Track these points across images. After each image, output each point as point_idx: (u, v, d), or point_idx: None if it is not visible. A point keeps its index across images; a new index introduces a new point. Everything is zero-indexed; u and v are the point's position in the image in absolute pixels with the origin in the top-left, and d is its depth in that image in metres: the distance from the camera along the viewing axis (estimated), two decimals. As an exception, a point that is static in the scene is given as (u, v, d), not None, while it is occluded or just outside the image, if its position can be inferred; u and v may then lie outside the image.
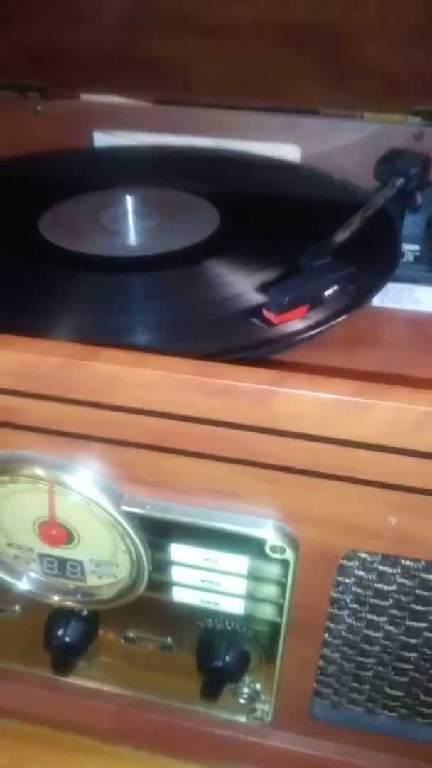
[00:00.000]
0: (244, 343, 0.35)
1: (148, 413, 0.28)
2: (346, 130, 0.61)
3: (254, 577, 0.33)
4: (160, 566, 0.34)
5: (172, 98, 0.62)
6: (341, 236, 0.42)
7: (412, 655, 0.37)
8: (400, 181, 0.50)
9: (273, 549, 0.31)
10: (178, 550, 0.33)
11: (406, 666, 0.38)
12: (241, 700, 0.40)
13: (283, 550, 0.31)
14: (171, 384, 0.27)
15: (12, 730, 0.46)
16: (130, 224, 0.47)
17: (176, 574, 0.34)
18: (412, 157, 0.52)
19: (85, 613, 0.38)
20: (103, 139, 0.65)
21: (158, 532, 0.32)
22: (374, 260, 0.43)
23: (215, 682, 0.37)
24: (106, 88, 0.63)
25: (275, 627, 0.35)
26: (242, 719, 0.42)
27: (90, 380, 0.28)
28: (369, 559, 0.33)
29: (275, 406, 0.26)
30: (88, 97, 0.64)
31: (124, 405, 0.28)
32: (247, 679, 0.39)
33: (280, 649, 0.36)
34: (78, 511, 0.33)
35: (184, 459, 0.30)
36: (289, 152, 0.61)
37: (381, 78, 0.56)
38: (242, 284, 0.41)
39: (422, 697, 0.39)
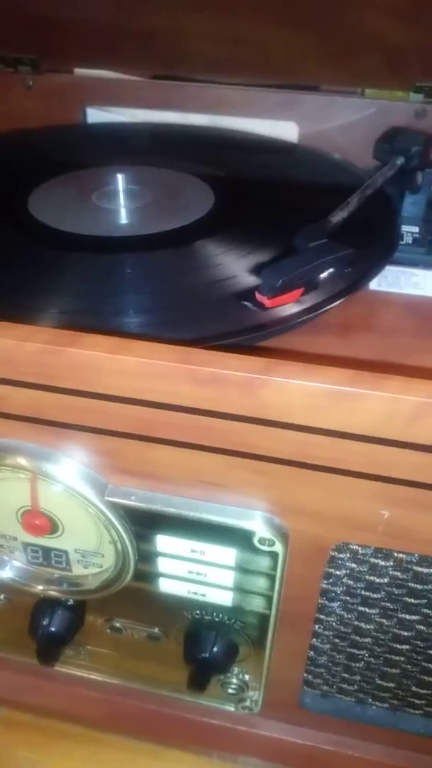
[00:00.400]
0: (234, 328, 0.34)
1: (131, 401, 0.27)
2: (345, 107, 0.59)
3: (242, 569, 0.32)
4: (146, 557, 0.33)
5: (168, 74, 0.61)
6: (338, 216, 0.41)
7: (403, 647, 0.37)
8: (400, 161, 0.49)
9: (262, 541, 0.30)
10: (164, 541, 0.32)
11: (397, 658, 0.37)
12: (230, 690, 0.40)
13: (272, 543, 0.30)
14: (155, 371, 0.26)
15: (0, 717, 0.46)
16: (121, 203, 0.46)
17: (163, 565, 0.33)
18: (412, 135, 0.50)
19: (71, 602, 0.38)
20: (96, 115, 0.63)
21: (144, 523, 0.31)
22: (372, 242, 0.41)
23: (202, 673, 0.36)
24: (101, 63, 0.61)
25: (264, 619, 0.35)
26: (231, 708, 0.42)
27: (70, 367, 0.26)
28: (361, 551, 0.32)
29: (264, 395, 0.25)
30: (81, 72, 0.62)
31: (106, 393, 0.27)
32: (235, 669, 0.38)
33: (269, 641, 0.36)
34: (62, 501, 0.32)
35: (171, 449, 0.29)
36: (287, 129, 0.60)
37: (383, 53, 0.54)
38: (235, 266, 0.39)
39: (413, 689, 0.39)
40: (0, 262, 0.40)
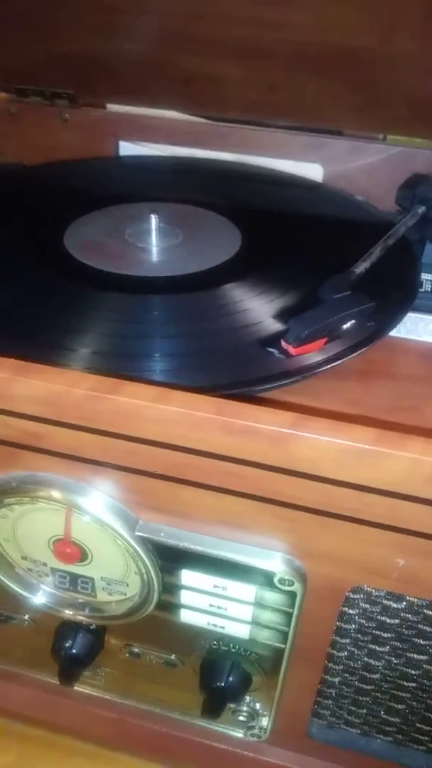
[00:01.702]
0: (260, 375, 0.36)
1: (167, 446, 0.29)
2: (369, 151, 0.61)
3: (261, 605, 0.34)
4: (170, 589, 0.35)
5: (199, 113, 0.63)
6: (362, 267, 0.43)
7: (410, 684, 0.38)
8: (421, 209, 0.51)
9: (281, 581, 0.32)
10: (188, 576, 0.34)
11: (404, 694, 0.39)
12: (241, 718, 0.41)
13: (291, 583, 0.32)
14: (191, 421, 0.28)
15: (15, 731, 0.47)
16: (153, 242, 0.48)
17: (185, 597, 0.35)
18: (435, 184, 0.53)
19: (93, 626, 0.39)
20: (128, 148, 0.65)
21: (170, 558, 0.33)
22: (393, 291, 0.43)
23: (217, 701, 0.38)
24: (136, 100, 0.63)
25: (278, 652, 0.36)
26: (239, 734, 0.43)
27: (112, 413, 0.28)
28: (374, 593, 0.34)
29: (294, 448, 0.27)
30: (115, 107, 0.65)
31: (144, 437, 0.29)
32: (247, 698, 0.40)
33: (281, 673, 0.37)
34: (93, 532, 0.34)
35: (200, 491, 0.31)
36: (312, 171, 0.62)
37: (408, 104, 0.56)
38: (260, 311, 0.41)
39: (418, 725, 0.40)
40: (35, 297, 0.42)
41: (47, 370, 0.29)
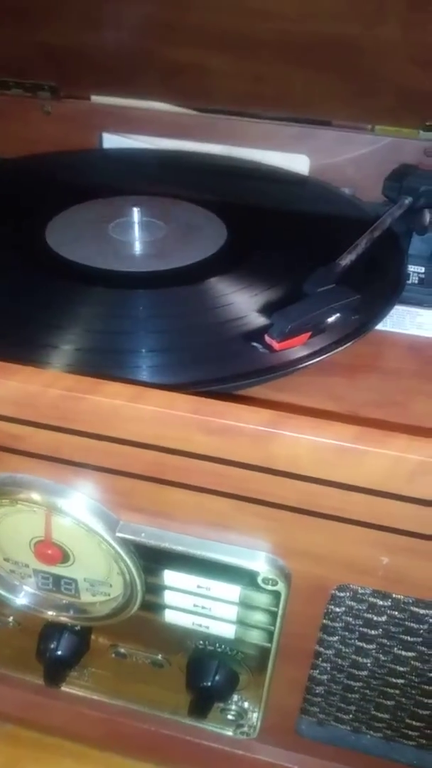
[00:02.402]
0: (244, 370, 0.35)
1: (146, 446, 0.28)
2: (357, 142, 0.60)
3: (246, 605, 0.33)
4: (154, 589, 0.34)
5: (185, 104, 0.62)
6: (347, 259, 0.42)
7: (399, 681, 0.38)
8: (408, 200, 0.50)
9: (265, 581, 0.31)
10: (171, 576, 0.33)
11: (392, 691, 0.39)
12: (229, 716, 0.41)
13: (275, 582, 0.31)
14: (170, 420, 0.27)
15: (5, 732, 0.47)
16: (136, 236, 0.47)
17: (169, 597, 0.34)
18: (421, 174, 0.52)
19: (78, 627, 0.39)
20: (112, 140, 0.64)
21: (152, 558, 0.33)
22: (379, 284, 0.43)
23: (204, 701, 0.37)
24: (120, 91, 0.62)
25: (265, 651, 0.36)
26: (229, 733, 0.43)
27: (90, 413, 0.28)
28: (360, 590, 0.33)
29: (274, 447, 0.26)
30: (98, 99, 0.64)
31: (122, 438, 0.28)
32: (235, 696, 0.40)
33: (268, 671, 0.37)
34: (74, 534, 0.33)
35: (181, 491, 0.30)
36: (299, 162, 0.61)
37: (397, 94, 0.55)
38: (244, 306, 0.41)
39: (407, 720, 0.40)
40: (15, 292, 0.41)
41: (23, 370, 0.28)
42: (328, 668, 0.38)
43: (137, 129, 0.64)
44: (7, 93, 0.64)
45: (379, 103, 0.58)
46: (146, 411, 0.27)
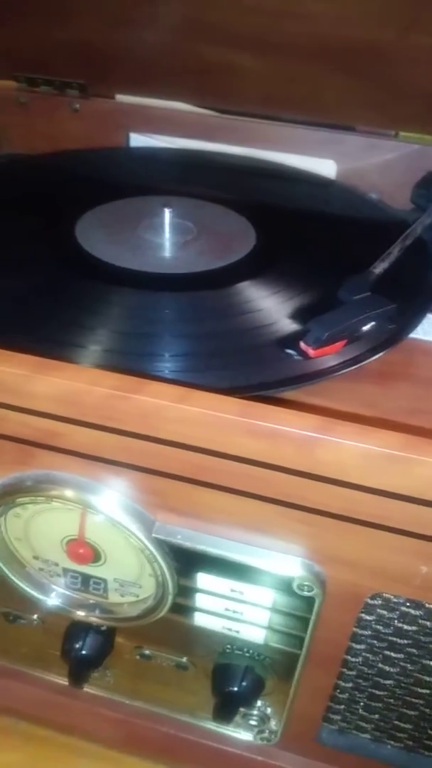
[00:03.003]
0: (280, 377, 0.35)
1: (188, 448, 0.28)
2: (383, 148, 0.60)
3: (279, 610, 0.33)
4: (185, 592, 0.34)
5: (213, 105, 0.62)
6: (380, 267, 0.42)
7: (424, 691, 0.38)
8: (438, 209, 0.50)
9: (300, 587, 0.31)
10: (204, 579, 0.33)
11: (417, 701, 0.38)
12: (252, 722, 0.41)
13: (310, 588, 0.31)
14: (215, 422, 0.27)
15: (22, 730, 0.47)
16: (167, 237, 0.47)
17: (200, 600, 0.34)
18: (451, 183, 0.52)
19: (103, 627, 0.39)
20: (139, 140, 0.64)
21: (186, 561, 0.33)
22: (412, 292, 0.43)
23: (230, 705, 0.37)
24: (148, 91, 0.62)
25: (293, 657, 0.36)
26: (249, 738, 0.43)
27: (134, 412, 0.28)
28: (393, 599, 0.33)
29: (320, 453, 0.26)
30: (126, 98, 0.64)
31: (165, 438, 0.28)
32: (259, 702, 0.40)
33: (295, 678, 0.37)
34: (107, 533, 0.33)
35: (220, 494, 0.30)
36: (326, 167, 0.61)
37: (424, 100, 0.55)
38: (275, 312, 0.40)
39: (430, 731, 0.40)
40: (47, 290, 0.41)
41: (67, 367, 0.28)
42: (354, 676, 0.38)
43: (163, 129, 0.64)
44: (35, 90, 0.64)
45: (406, 110, 0.58)
46: (191, 412, 0.27)
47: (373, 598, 0.33)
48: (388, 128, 0.61)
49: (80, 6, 0.56)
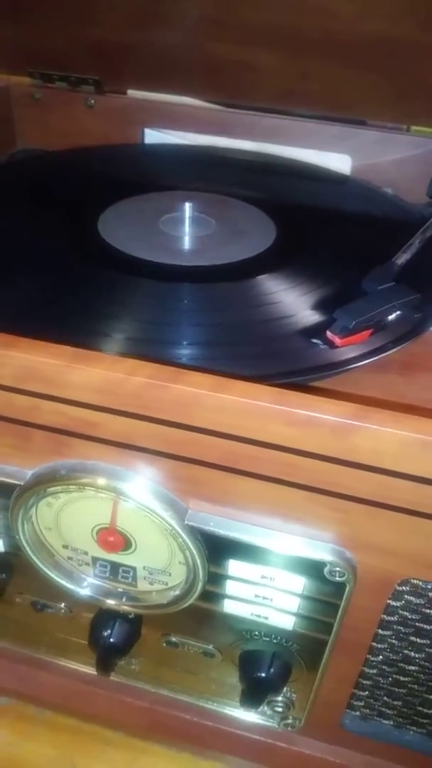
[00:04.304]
0: (306, 365, 0.36)
1: (224, 436, 0.29)
2: (398, 143, 0.61)
3: (309, 596, 0.34)
4: (216, 579, 0.35)
5: (230, 102, 0.62)
6: (403, 258, 0.43)
7: (448, 677, 0.38)
8: (455, 202, 0.50)
9: (332, 573, 0.32)
10: (235, 566, 0.34)
11: (441, 687, 0.39)
12: (277, 708, 0.41)
13: (342, 575, 0.32)
14: (251, 410, 0.27)
15: (46, 719, 0.47)
16: (189, 232, 0.47)
17: (231, 587, 0.35)
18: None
19: (131, 615, 0.39)
20: (154, 136, 0.65)
21: (217, 548, 0.33)
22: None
23: (259, 692, 0.38)
24: (163, 87, 0.62)
25: (321, 643, 0.36)
26: (273, 724, 0.43)
27: (171, 401, 0.28)
28: (422, 585, 0.33)
29: (356, 440, 0.27)
30: (141, 94, 0.64)
31: (201, 426, 0.29)
32: (285, 688, 0.40)
33: (322, 664, 0.37)
34: (139, 521, 0.33)
35: (253, 481, 0.30)
36: (341, 162, 0.62)
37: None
38: (301, 302, 0.41)
39: (453, 717, 0.40)
40: (70, 282, 0.41)
41: (104, 358, 0.28)
42: (379, 662, 0.39)
43: (178, 125, 0.64)
44: (51, 86, 0.64)
45: (421, 105, 0.58)
46: (228, 401, 0.27)
47: (402, 584, 0.33)
48: (401, 123, 0.62)
49: (95, 3, 0.57)
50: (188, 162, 0.61)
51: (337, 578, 0.32)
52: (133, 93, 0.65)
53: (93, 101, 0.64)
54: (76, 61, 0.63)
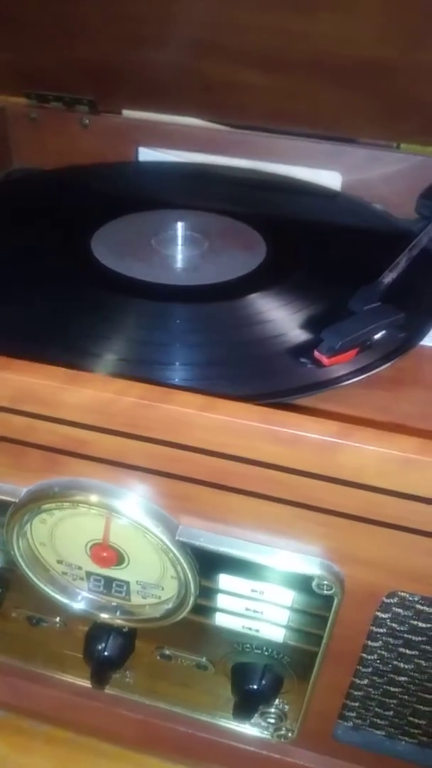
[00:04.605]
0: (294, 385, 0.37)
1: (212, 454, 0.30)
2: (387, 160, 0.62)
3: (298, 609, 0.34)
4: (207, 593, 0.35)
5: (218, 120, 0.64)
6: (389, 278, 0.44)
7: (438, 687, 0.39)
8: (442, 219, 0.51)
9: (320, 586, 0.32)
10: (226, 580, 0.34)
11: (431, 697, 0.39)
12: (270, 720, 0.42)
13: (329, 588, 0.32)
14: (238, 429, 0.28)
15: (42, 733, 0.48)
16: (179, 250, 0.48)
17: (221, 601, 0.35)
18: (455, 194, 0.53)
19: (125, 628, 0.40)
20: (148, 155, 0.66)
21: (208, 562, 0.34)
22: (419, 302, 0.44)
23: (251, 704, 0.38)
24: (156, 106, 0.64)
25: (311, 655, 0.37)
26: (266, 735, 0.44)
27: (160, 421, 0.29)
28: (409, 597, 0.34)
29: (340, 457, 0.28)
30: (135, 114, 0.66)
31: (190, 445, 0.30)
32: (277, 700, 0.41)
33: (313, 675, 0.38)
34: (131, 536, 0.34)
35: (242, 497, 0.31)
36: (331, 179, 0.63)
37: (425, 114, 0.57)
38: (289, 322, 0.42)
39: (443, 727, 0.41)
40: (64, 302, 0.42)
41: (95, 379, 0.29)
42: (369, 673, 0.39)
43: (172, 144, 0.65)
44: (46, 106, 0.66)
45: (408, 124, 0.59)
46: (216, 420, 0.28)
47: (389, 596, 0.34)
48: (390, 140, 0.63)
49: (89, 25, 0.58)
50: (181, 180, 0.62)
51: (326, 591, 0.33)
52: (127, 113, 0.67)
53: (88, 121, 0.65)
54: (71, 82, 0.64)
